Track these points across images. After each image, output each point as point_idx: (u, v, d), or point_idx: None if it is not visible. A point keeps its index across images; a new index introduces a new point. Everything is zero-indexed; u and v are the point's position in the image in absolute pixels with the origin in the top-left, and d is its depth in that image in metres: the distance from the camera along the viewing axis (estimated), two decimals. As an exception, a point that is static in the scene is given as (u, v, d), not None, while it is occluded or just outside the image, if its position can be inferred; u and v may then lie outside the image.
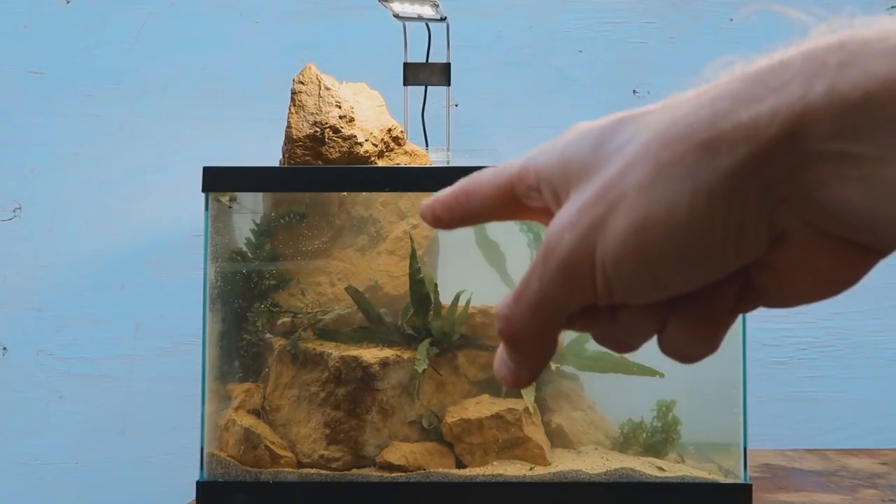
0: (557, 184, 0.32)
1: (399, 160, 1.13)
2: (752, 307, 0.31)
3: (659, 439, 1.08)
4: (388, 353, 1.07)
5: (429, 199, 0.37)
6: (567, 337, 1.08)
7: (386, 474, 1.04)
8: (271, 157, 1.16)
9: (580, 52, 1.54)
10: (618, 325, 0.32)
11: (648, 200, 0.28)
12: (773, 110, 0.26)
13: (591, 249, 0.30)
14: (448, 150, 1.23)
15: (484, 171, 0.36)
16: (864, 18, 0.27)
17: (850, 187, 0.26)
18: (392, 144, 1.13)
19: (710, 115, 0.28)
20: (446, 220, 0.37)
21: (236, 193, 1.10)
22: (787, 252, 0.28)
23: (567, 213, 0.31)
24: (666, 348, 0.32)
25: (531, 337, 0.32)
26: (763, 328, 1.49)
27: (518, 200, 0.35)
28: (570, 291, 0.31)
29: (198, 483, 1.04)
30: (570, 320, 0.32)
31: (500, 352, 0.34)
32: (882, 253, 0.28)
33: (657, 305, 0.31)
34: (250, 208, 1.11)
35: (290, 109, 1.09)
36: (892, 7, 1.53)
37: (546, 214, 0.34)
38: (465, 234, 1.13)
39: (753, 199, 0.27)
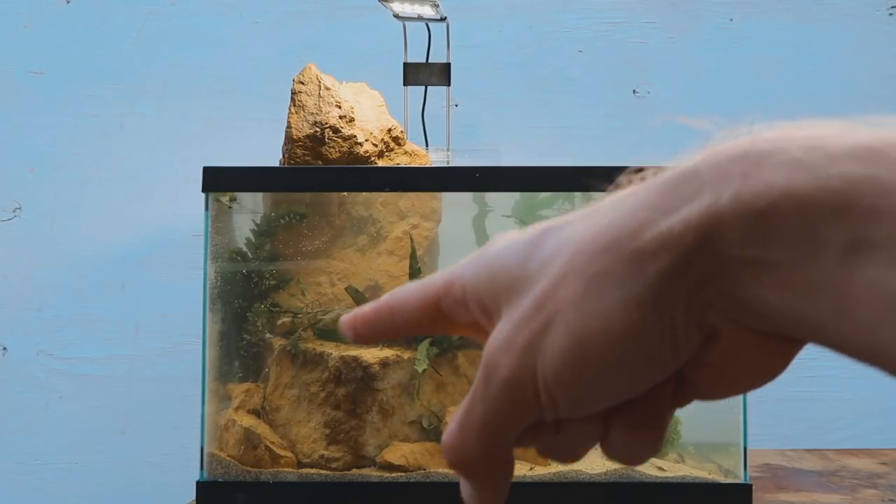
0: (486, 299, 0.32)
1: (399, 160, 1.13)
2: (688, 402, 0.32)
3: (659, 439, 1.08)
4: (388, 353, 1.07)
5: (349, 315, 0.37)
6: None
7: (386, 474, 1.04)
8: (271, 157, 1.15)
9: (580, 52, 1.54)
10: (562, 436, 0.33)
11: (583, 314, 0.29)
12: (687, 219, 0.27)
13: (531, 367, 0.30)
14: (448, 150, 1.23)
15: (408, 285, 0.36)
16: (763, 125, 0.29)
17: (767, 290, 0.27)
18: (392, 144, 1.13)
19: (631, 225, 0.28)
20: (367, 335, 0.37)
21: (236, 193, 1.10)
22: (719, 348, 0.29)
23: (502, 333, 0.31)
24: (610, 453, 0.33)
25: (483, 461, 0.32)
26: (763, 328, 1.48)
27: (445, 315, 0.35)
28: (516, 411, 0.31)
29: (198, 483, 1.04)
30: (517, 437, 0.32)
31: (462, 480, 0.34)
32: (805, 341, 0.29)
33: (599, 413, 0.31)
34: (250, 208, 1.11)
35: (290, 109, 1.09)
36: (893, 7, 1.53)
37: (474, 329, 0.34)
38: (466, 234, 1.13)
39: (681, 302, 0.28)
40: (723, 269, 0.27)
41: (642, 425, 0.32)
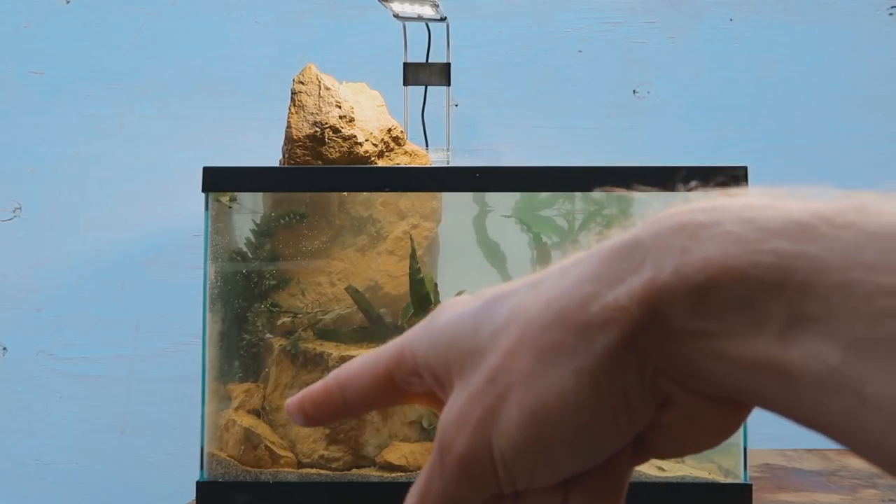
0: (439, 369, 0.32)
1: (399, 160, 1.13)
2: (645, 461, 0.32)
3: (659, 439, 1.08)
4: (388, 353, 1.07)
5: (297, 396, 0.36)
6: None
7: (386, 474, 1.04)
8: (271, 157, 1.16)
9: (580, 52, 1.54)
10: None
11: (537, 389, 0.29)
12: (631, 291, 0.28)
13: (486, 442, 0.30)
14: (448, 150, 1.23)
15: (355, 359, 0.35)
16: (699, 194, 0.29)
17: (710, 361, 0.27)
18: (392, 144, 1.13)
19: (579, 297, 0.29)
20: (317, 417, 0.35)
21: (236, 193, 1.10)
22: (673, 412, 0.29)
23: (455, 407, 0.31)
24: None
25: None
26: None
27: (397, 387, 0.34)
28: (474, 485, 0.31)
29: (198, 483, 1.04)
30: None
31: None
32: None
33: (558, 484, 0.31)
34: (250, 208, 1.11)
35: (290, 109, 1.09)
36: (893, 7, 1.53)
37: (429, 398, 0.34)
38: (466, 234, 1.13)
39: (633, 372, 0.28)
40: (669, 339, 0.27)
41: (602, 492, 0.31)
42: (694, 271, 0.27)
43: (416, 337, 0.34)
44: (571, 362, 0.28)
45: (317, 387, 0.35)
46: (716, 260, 0.26)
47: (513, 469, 0.30)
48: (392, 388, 0.34)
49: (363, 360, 0.35)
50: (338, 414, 0.35)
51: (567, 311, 0.29)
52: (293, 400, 0.35)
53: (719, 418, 0.30)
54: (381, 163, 1.11)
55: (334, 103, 1.09)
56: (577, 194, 1.13)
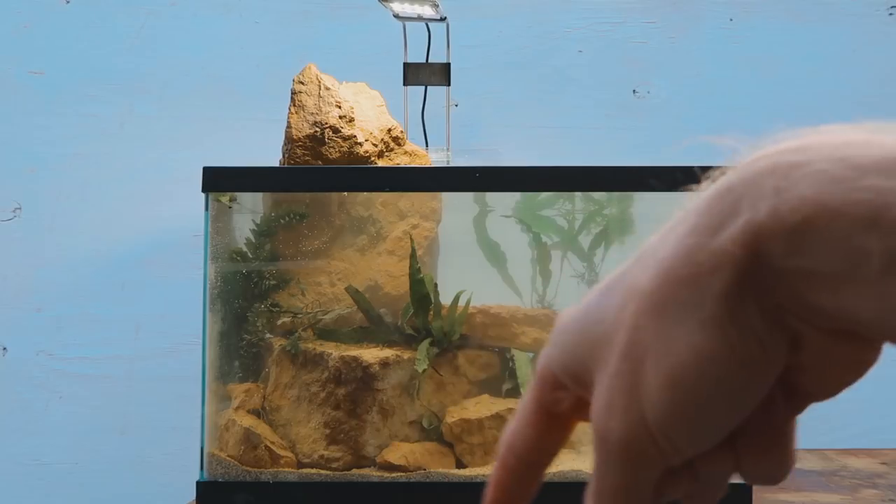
0: (578, 370, 0.33)
1: (399, 160, 1.13)
2: (804, 406, 0.32)
3: (659, 439, 1.08)
4: (388, 353, 1.07)
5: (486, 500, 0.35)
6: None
7: (386, 474, 1.04)
8: (271, 157, 1.16)
9: (580, 52, 1.54)
10: (701, 480, 0.33)
11: (668, 349, 0.29)
12: (733, 235, 0.28)
13: (639, 417, 0.30)
14: (448, 150, 1.23)
15: (507, 430, 0.35)
16: (789, 133, 0.29)
17: (819, 296, 0.27)
18: (392, 144, 1.13)
19: (684, 252, 0.29)
20: (508, 498, 0.35)
21: (236, 193, 1.10)
22: (808, 350, 0.30)
23: (600, 397, 0.31)
24: (749, 479, 0.34)
25: None
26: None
27: (551, 413, 0.34)
28: (642, 466, 0.31)
29: (198, 483, 1.04)
30: (657, 490, 0.32)
31: None
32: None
33: (724, 446, 0.32)
34: (250, 208, 1.11)
35: (290, 109, 1.09)
36: (893, 7, 1.53)
37: (581, 407, 0.34)
38: (466, 234, 1.13)
39: (754, 312, 0.29)
40: (777, 278, 0.28)
41: (769, 445, 0.32)
42: (789, 211, 0.27)
43: (547, 352, 0.34)
44: (693, 315, 0.29)
45: (493, 469, 0.35)
46: (811, 199, 0.27)
47: (671, 436, 0.30)
48: (549, 419, 0.34)
49: (515, 415, 0.35)
50: (523, 480, 0.35)
51: (675, 268, 0.29)
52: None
53: (853, 350, 0.30)
54: (381, 163, 1.11)
55: (334, 103, 1.09)
56: (577, 194, 1.13)
